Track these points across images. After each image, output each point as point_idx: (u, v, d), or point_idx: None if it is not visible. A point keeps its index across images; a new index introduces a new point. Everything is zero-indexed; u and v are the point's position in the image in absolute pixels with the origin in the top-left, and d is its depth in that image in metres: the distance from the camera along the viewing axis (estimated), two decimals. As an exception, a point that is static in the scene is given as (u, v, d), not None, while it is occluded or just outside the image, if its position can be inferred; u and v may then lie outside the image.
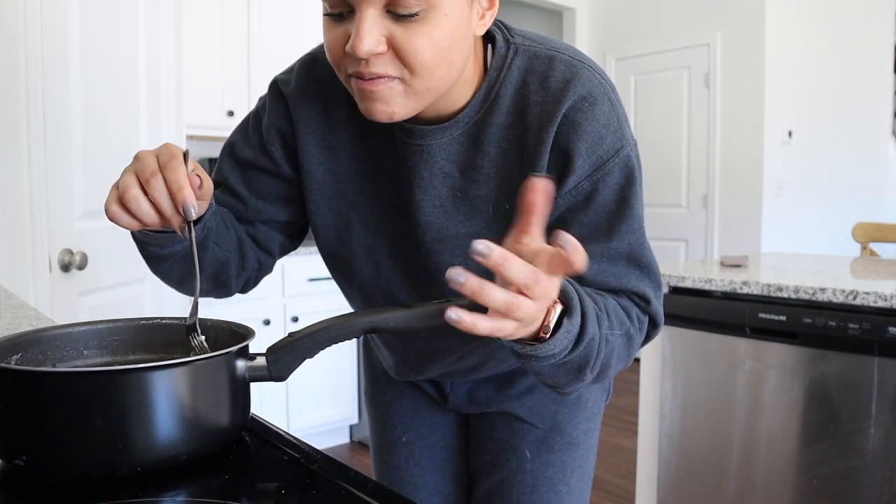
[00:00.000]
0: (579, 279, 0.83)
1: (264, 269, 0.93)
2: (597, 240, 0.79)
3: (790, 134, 4.34)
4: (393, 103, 0.71)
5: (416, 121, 0.80)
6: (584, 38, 5.03)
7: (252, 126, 0.89)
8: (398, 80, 0.70)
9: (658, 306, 0.83)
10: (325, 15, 0.71)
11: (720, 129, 4.36)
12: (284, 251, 0.94)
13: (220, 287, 0.86)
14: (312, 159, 0.85)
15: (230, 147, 0.89)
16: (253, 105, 3.46)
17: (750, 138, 4.23)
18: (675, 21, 4.53)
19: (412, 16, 0.66)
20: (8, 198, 1.66)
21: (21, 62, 1.65)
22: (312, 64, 0.86)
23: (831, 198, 4.70)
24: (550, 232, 0.80)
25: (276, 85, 0.87)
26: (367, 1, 0.66)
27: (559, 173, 0.77)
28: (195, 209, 0.64)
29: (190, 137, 3.07)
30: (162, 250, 0.75)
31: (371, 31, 0.66)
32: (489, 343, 0.93)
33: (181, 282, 0.82)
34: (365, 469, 0.72)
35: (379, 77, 0.69)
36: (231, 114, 3.17)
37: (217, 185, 0.88)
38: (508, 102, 0.78)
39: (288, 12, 3.31)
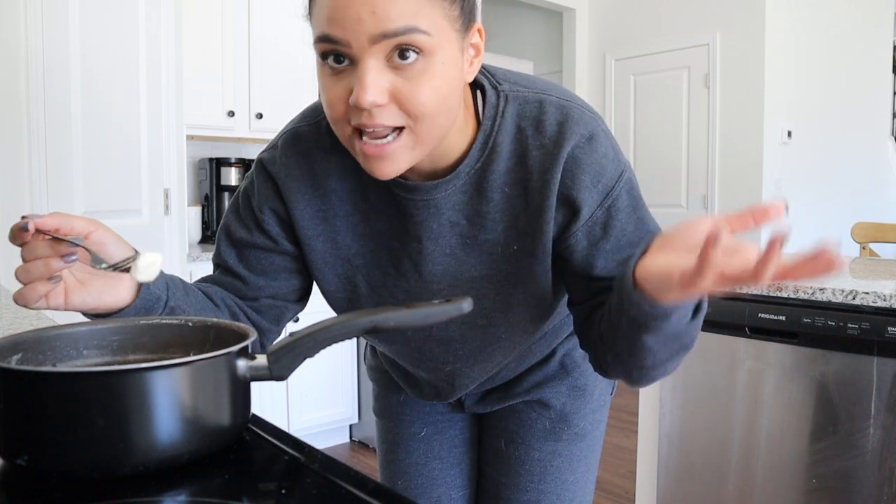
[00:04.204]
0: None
1: (270, 336, 0.94)
2: (627, 248, 0.81)
3: (790, 134, 4.34)
4: (399, 160, 0.72)
5: (416, 176, 0.82)
6: (584, 38, 5.03)
7: (243, 205, 0.90)
8: (405, 129, 0.70)
9: None
10: (322, 70, 0.71)
11: (720, 129, 4.36)
12: (293, 315, 0.96)
13: None
14: (310, 232, 0.87)
15: (225, 229, 0.91)
16: (253, 105, 3.46)
17: (749, 138, 4.23)
18: (675, 21, 4.53)
19: (412, 65, 0.67)
20: (8, 198, 1.66)
21: (21, 63, 1.65)
22: (294, 139, 0.87)
23: (831, 198, 4.70)
24: (584, 274, 0.82)
25: (261, 164, 0.88)
26: (370, 52, 0.66)
27: (570, 210, 0.80)
28: (27, 223, 0.65)
29: (190, 137, 3.07)
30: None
31: (375, 82, 0.67)
32: (512, 361, 0.97)
33: None
34: (365, 469, 0.72)
35: (384, 128, 0.70)
36: (231, 114, 3.17)
37: (217, 266, 0.91)
38: (507, 149, 0.80)
39: (288, 12, 3.31)
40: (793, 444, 1.74)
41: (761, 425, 1.80)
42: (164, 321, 0.72)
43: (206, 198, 3.41)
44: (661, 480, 2.02)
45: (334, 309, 0.93)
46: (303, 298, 0.95)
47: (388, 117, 0.69)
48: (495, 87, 0.81)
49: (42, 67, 1.69)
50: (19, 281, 0.68)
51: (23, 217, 0.66)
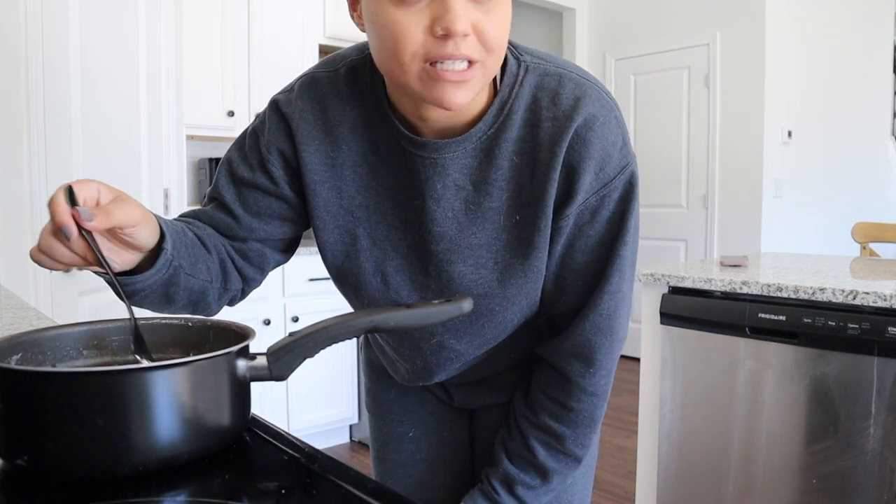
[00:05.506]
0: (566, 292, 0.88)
1: (252, 284, 0.94)
2: (598, 249, 0.84)
3: (790, 134, 4.34)
4: (472, 89, 0.72)
5: (429, 132, 0.82)
6: (583, 38, 5.03)
7: (250, 144, 0.89)
8: (477, 63, 0.71)
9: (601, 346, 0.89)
10: (385, 3, 0.69)
11: (720, 129, 4.36)
12: (276, 265, 0.95)
13: (200, 311, 0.87)
14: (317, 178, 0.86)
15: (227, 164, 0.90)
16: (253, 105, 3.45)
17: (750, 138, 4.23)
18: (675, 21, 4.53)
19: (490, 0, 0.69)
20: (8, 198, 1.66)
21: (21, 62, 1.65)
22: (312, 84, 0.86)
23: (831, 198, 4.70)
24: (566, 250, 0.84)
25: (276, 105, 0.88)
26: None
27: (568, 188, 0.80)
28: (71, 231, 0.63)
29: (190, 137, 3.07)
30: (126, 288, 0.75)
31: (466, 10, 0.67)
32: (496, 347, 0.94)
33: (156, 311, 0.83)
34: (365, 469, 0.72)
35: (464, 58, 0.69)
36: (231, 114, 3.17)
37: (212, 199, 0.91)
38: (521, 118, 0.80)
39: (288, 12, 3.31)
40: (793, 443, 1.74)
41: (761, 425, 1.80)
42: (163, 321, 0.72)
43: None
44: (661, 480, 2.02)
45: (331, 265, 0.92)
46: (289, 249, 0.95)
47: (470, 49, 0.69)
48: (517, 58, 0.82)
49: (42, 67, 1.69)
50: (41, 249, 0.66)
51: (76, 209, 0.63)
